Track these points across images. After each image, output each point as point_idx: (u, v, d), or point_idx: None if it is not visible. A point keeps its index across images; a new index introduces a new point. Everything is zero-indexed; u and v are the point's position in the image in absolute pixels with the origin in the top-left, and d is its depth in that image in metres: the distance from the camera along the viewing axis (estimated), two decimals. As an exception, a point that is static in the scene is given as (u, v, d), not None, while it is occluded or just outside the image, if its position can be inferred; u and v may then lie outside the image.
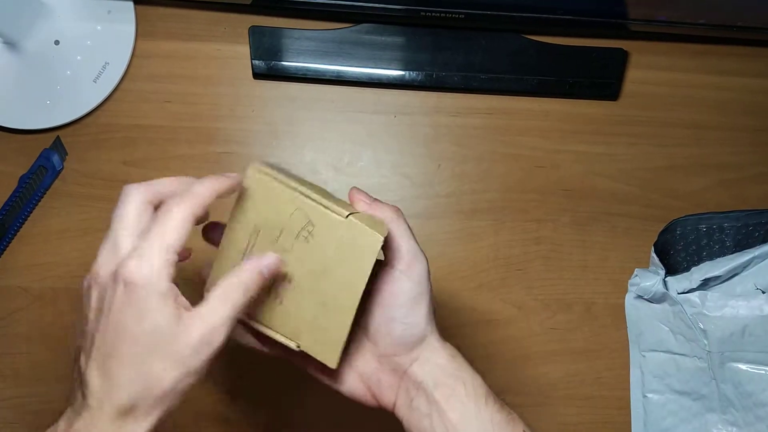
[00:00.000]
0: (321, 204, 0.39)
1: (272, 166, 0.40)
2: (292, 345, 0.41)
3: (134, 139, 0.60)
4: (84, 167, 0.60)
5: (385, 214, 0.42)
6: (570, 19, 0.58)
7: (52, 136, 0.60)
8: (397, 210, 0.43)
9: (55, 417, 0.59)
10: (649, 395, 0.60)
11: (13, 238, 0.59)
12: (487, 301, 0.61)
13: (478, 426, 0.41)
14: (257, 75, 0.61)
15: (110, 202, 0.59)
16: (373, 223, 0.40)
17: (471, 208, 0.62)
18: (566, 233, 0.63)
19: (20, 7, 0.57)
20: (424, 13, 0.57)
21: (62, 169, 0.60)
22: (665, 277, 0.60)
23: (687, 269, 0.60)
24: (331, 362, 0.41)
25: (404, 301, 0.42)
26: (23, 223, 0.59)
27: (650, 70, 0.64)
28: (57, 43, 0.59)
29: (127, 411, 0.36)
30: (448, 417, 0.41)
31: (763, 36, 0.62)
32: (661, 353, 0.61)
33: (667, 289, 0.60)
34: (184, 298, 0.37)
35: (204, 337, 0.37)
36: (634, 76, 0.64)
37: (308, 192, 0.39)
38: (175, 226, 0.37)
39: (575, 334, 0.62)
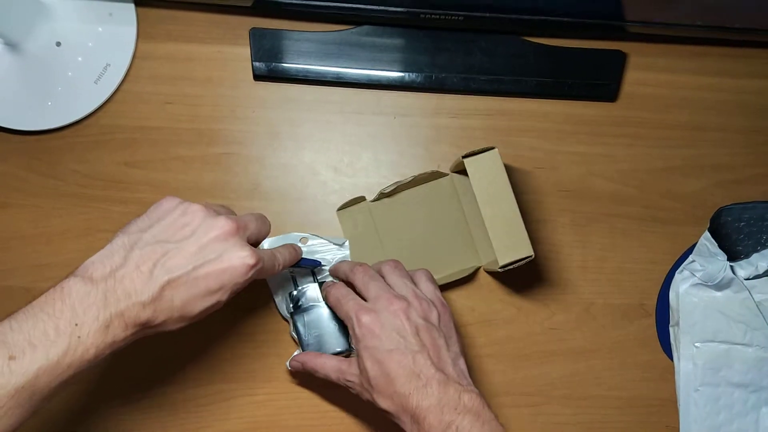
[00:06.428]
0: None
1: None
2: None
3: (135, 140, 0.61)
4: (85, 168, 0.60)
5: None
6: (568, 22, 0.59)
7: (54, 137, 0.60)
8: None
9: (55, 416, 0.59)
10: (702, 389, 0.58)
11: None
12: (487, 301, 0.62)
13: None
14: (258, 76, 0.61)
15: (111, 202, 0.60)
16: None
17: (470, 208, 0.62)
18: (565, 234, 0.63)
19: (21, 9, 0.58)
20: (423, 15, 0.58)
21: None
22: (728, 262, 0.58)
23: (747, 256, 0.58)
24: (529, 250, 0.53)
25: None
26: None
27: (648, 72, 0.65)
28: (58, 44, 0.60)
29: (146, 324, 0.41)
30: None
31: (760, 37, 0.62)
32: (718, 344, 0.58)
33: (735, 275, 0.58)
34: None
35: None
36: (632, 78, 0.64)
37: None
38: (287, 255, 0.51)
39: (574, 334, 0.62)
